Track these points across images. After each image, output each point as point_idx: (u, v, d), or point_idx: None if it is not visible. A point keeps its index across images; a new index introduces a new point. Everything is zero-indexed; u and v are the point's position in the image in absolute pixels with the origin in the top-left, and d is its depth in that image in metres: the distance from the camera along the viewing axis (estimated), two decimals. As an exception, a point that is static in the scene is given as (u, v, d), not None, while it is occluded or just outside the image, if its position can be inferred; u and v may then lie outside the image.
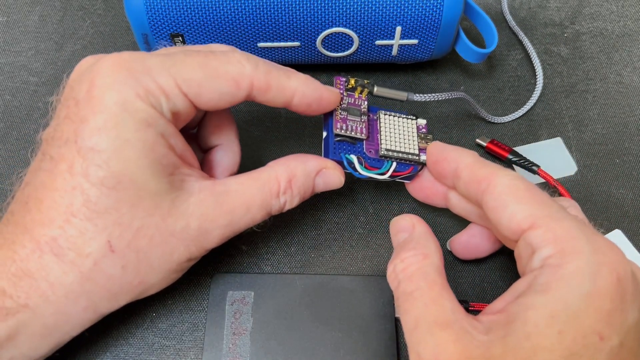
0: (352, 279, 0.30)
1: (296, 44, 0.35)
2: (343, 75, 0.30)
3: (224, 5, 0.33)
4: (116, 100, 0.22)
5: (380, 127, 0.30)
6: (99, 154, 0.22)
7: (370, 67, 0.40)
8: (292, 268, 0.32)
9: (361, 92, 0.30)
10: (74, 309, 0.23)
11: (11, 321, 0.22)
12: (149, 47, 0.35)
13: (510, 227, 0.23)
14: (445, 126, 0.37)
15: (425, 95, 0.31)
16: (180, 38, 0.34)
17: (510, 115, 0.37)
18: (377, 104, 0.32)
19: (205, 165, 0.29)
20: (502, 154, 0.35)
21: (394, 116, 0.31)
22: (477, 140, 0.36)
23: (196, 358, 0.29)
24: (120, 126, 0.22)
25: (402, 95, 0.31)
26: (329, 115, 0.29)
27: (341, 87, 0.30)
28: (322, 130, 0.30)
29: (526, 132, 0.37)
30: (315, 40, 0.35)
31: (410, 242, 0.25)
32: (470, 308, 0.29)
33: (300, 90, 0.26)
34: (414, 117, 0.31)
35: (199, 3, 0.32)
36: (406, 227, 0.27)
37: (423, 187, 0.31)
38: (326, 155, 0.29)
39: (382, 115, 0.30)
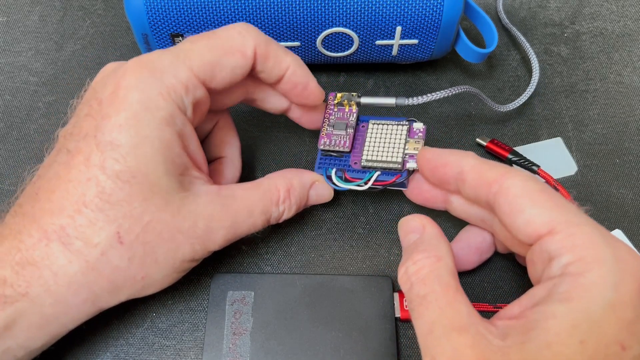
0: (352, 279, 0.30)
1: (296, 44, 0.35)
2: (332, 92, 0.32)
3: (224, 5, 0.33)
4: (139, 99, 0.23)
5: (366, 137, 0.30)
6: (117, 149, 0.23)
7: (370, 67, 0.40)
8: (292, 268, 0.32)
9: (350, 105, 0.31)
10: (73, 300, 0.23)
11: (9, 310, 0.22)
12: (149, 47, 0.35)
13: (527, 232, 0.22)
14: (446, 126, 0.37)
15: (415, 98, 0.30)
16: (180, 38, 0.34)
17: (515, 102, 0.36)
18: (375, 113, 0.32)
19: None
20: (502, 154, 0.35)
21: (383, 124, 0.30)
22: (477, 139, 0.36)
23: (196, 358, 0.29)
24: (141, 123, 0.23)
25: (390, 101, 0.31)
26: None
27: (331, 103, 0.31)
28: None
29: (526, 132, 0.37)
30: (315, 40, 0.35)
31: (422, 244, 0.25)
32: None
33: (293, 67, 0.28)
34: (407, 122, 0.30)
35: (199, 3, 0.32)
36: (416, 228, 0.26)
37: (422, 191, 0.30)
38: (315, 169, 0.30)
39: (371, 125, 0.31)
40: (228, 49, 0.26)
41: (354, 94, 0.31)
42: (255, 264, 0.32)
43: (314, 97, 0.29)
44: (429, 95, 0.30)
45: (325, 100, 0.31)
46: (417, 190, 0.30)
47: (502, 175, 0.24)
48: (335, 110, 0.31)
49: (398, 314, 0.29)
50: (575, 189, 0.34)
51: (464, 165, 0.26)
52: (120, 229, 0.23)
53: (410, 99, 0.30)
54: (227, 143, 0.32)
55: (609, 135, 0.37)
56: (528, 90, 0.37)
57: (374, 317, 0.29)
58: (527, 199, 0.23)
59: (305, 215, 0.33)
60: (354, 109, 0.31)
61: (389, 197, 0.34)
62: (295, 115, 0.31)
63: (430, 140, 0.36)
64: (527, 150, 0.35)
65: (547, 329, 0.20)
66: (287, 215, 0.29)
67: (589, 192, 0.34)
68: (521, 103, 0.36)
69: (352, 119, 0.31)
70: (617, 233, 0.32)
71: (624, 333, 0.19)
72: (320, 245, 0.32)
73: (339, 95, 0.31)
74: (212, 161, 0.32)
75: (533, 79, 0.38)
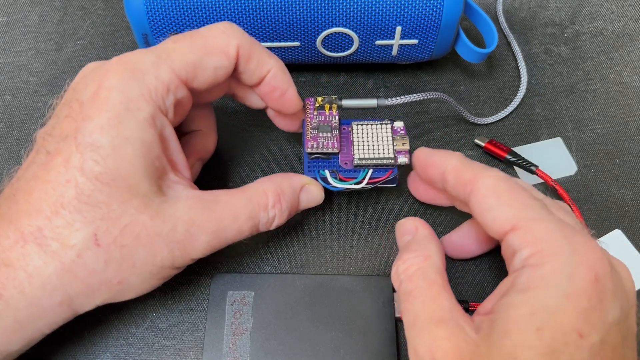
0: (352, 279, 0.30)
1: (296, 44, 0.35)
2: (311, 96, 0.32)
3: (224, 5, 0.33)
4: (120, 100, 0.23)
5: (353, 137, 0.31)
6: (97, 150, 0.23)
7: (370, 67, 0.40)
8: (292, 268, 0.32)
9: (330, 108, 0.31)
10: (48, 303, 0.23)
11: None
12: (148, 47, 0.35)
13: (495, 229, 0.24)
14: (446, 126, 0.37)
15: (396, 98, 0.31)
16: (180, 38, 0.34)
17: (493, 117, 0.37)
18: (356, 116, 0.33)
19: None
20: (501, 154, 0.35)
21: (367, 125, 0.31)
22: (476, 140, 0.36)
23: (196, 358, 0.29)
24: (122, 125, 0.23)
25: (372, 103, 0.31)
26: (303, 135, 0.31)
27: (310, 107, 0.31)
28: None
29: (526, 132, 0.37)
30: (315, 40, 0.35)
31: (413, 244, 0.26)
32: (470, 308, 0.29)
33: (274, 71, 0.28)
34: (389, 122, 0.31)
35: (199, 3, 0.32)
36: (410, 230, 0.28)
37: (428, 190, 0.31)
38: (304, 173, 0.30)
39: (354, 126, 0.31)
40: (211, 48, 0.26)
41: (335, 97, 0.31)
42: (255, 264, 0.32)
43: (290, 104, 0.29)
44: (406, 96, 0.31)
45: (304, 107, 0.31)
46: (423, 189, 0.31)
47: (475, 176, 0.25)
48: (316, 114, 0.31)
49: (398, 314, 0.29)
50: (575, 189, 0.34)
51: (446, 166, 0.27)
52: (97, 230, 0.23)
53: (390, 100, 0.31)
54: (203, 116, 0.31)
55: (609, 135, 0.37)
56: (512, 104, 0.37)
57: (374, 317, 0.29)
58: (494, 198, 0.24)
59: (305, 215, 0.33)
60: (335, 111, 0.31)
61: (389, 197, 0.34)
62: (271, 114, 0.32)
63: (431, 140, 0.36)
64: (527, 151, 0.35)
65: (507, 318, 0.21)
66: (278, 221, 0.28)
67: (589, 192, 0.34)
68: (501, 117, 0.37)
69: (335, 121, 0.31)
70: (617, 233, 0.32)
71: (580, 321, 0.20)
72: (320, 245, 0.32)
73: (319, 98, 0.31)
74: (188, 133, 0.31)
75: (520, 91, 0.38)
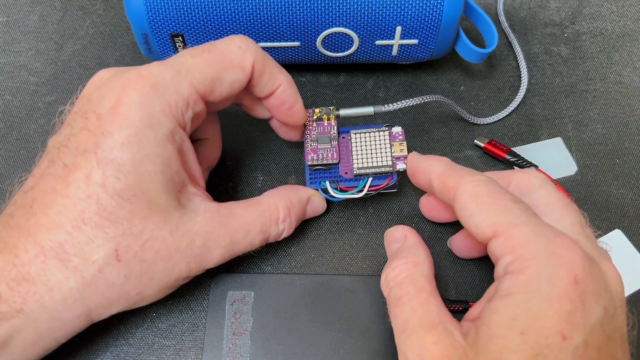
0: (352, 279, 0.30)
1: (296, 44, 0.35)
2: (309, 108, 0.32)
3: (224, 5, 0.33)
4: (141, 116, 0.23)
5: (352, 147, 0.31)
6: (119, 167, 0.23)
7: (370, 67, 0.40)
8: (292, 268, 0.32)
9: (329, 119, 0.31)
10: (68, 316, 0.23)
11: (5, 327, 0.22)
12: (149, 47, 0.35)
13: (479, 235, 0.24)
14: (446, 126, 0.37)
15: (393, 104, 0.31)
16: (180, 38, 0.34)
17: (492, 117, 0.37)
18: (355, 122, 0.33)
19: None
20: (500, 155, 0.35)
21: (364, 133, 0.31)
22: (476, 141, 0.36)
23: (196, 358, 0.29)
24: (143, 141, 0.23)
25: (368, 111, 0.31)
26: (304, 146, 0.31)
27: (310, 119, 0.32)
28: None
29: (526, 132, 0.37)
30: (315, 40, 0.35)
31: (402, 252, 0.27)
32: (470, 308, 0.29)
33: (284, 85, 0.28)
34: (387, 128, 0.31)
35: (199, 3, 0.32)
36: (399, 238, 0.28)
37: (435, 208, 0.31)
38: (307, 185, 0.31)
39: (352, 135, 0.31)
40: (228, 63, 0.26)
41: (332, 107, 0.32)
42: (255, 264, 0.32)
43: (297, 117, 0.29)
44: (403, 101, 0.31)
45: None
46: (426, 207, 0.32)
47: (457, 182, 0.25)
48: (315, 125, 0.31)
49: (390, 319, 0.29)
50: (575, 189, 0.34)
51: (431, 173, 0.27)
52: (119, 246, 0.23)
53: (386, 106, 0.31)
54: (210, 125, 0.31)
55: (609, 135, 0.37)
56: (513, 103, 0.38)
57: (374, 317, 0.29)
58: (475, 204, 0.24)
59: (305, 215, 0.33)
60: (333, 121, 0.31)
61: (388, 197, 0.34)
62: (275, 125, 0.32)
63: (431, 140, 0.36)
64: (527, 150, 0.35)
65: (490, 324, 0.21)
66: (287, 233, 0.29)
67: (589, 192, 0.34)
68: (501, 117, 0.37)
69: (334, 131, 0.31)
70: (617, 233, 0.32)
71: (563, 324, 0.20)
72: (320, 245, 0.32)
73: (317, 110, 0.32)
74: (195, 142, 0.31)
75: (520, 92, 0.38)
